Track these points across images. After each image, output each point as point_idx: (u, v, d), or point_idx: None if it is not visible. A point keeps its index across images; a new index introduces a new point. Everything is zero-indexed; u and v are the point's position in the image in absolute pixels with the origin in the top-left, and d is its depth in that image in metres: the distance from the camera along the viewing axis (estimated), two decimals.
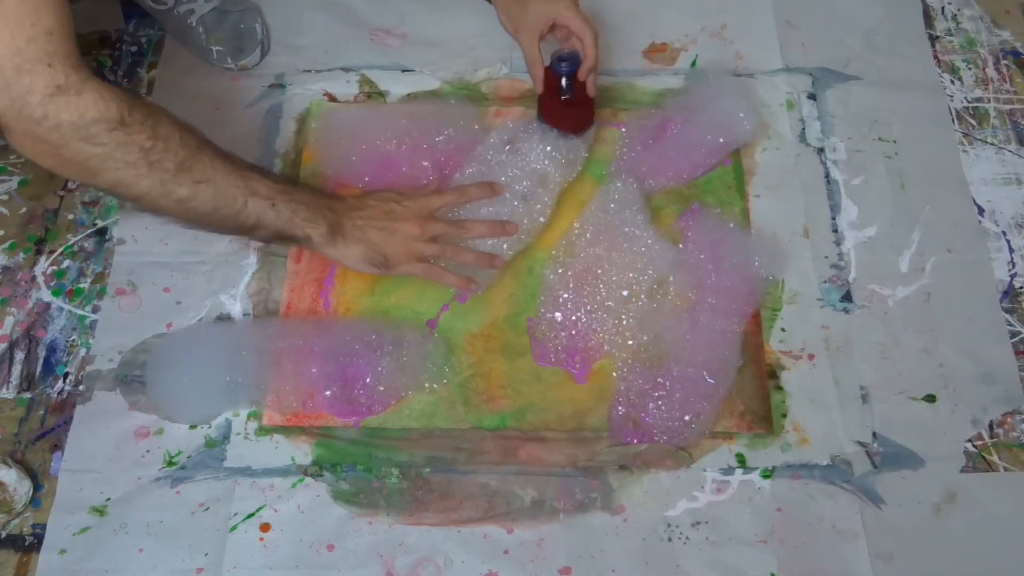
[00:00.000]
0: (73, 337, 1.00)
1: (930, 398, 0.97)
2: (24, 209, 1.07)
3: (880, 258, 1.05)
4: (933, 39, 1.22)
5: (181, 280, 1.02)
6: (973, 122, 1.15)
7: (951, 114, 1.16)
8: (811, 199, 1.09)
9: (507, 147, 1.06)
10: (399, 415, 0.95)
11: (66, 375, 0.98)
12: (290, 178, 1.07)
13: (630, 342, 0.97)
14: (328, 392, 0.94)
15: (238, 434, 0.94)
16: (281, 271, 1.03)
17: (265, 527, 0.90)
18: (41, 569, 0.88)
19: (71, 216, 1.07)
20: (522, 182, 1.04)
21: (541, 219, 1.04)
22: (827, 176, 1.11)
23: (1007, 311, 1.02)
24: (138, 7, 1.21)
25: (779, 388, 0.97)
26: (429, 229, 0.96)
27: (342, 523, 0.90)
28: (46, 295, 1.02)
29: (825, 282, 1.03)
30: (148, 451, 0.93)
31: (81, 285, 1.02)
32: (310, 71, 1.17)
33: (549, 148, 1.06)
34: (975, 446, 0.95)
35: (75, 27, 0.75)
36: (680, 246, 1.03)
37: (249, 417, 0.95)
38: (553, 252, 1.03)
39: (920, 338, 1.00)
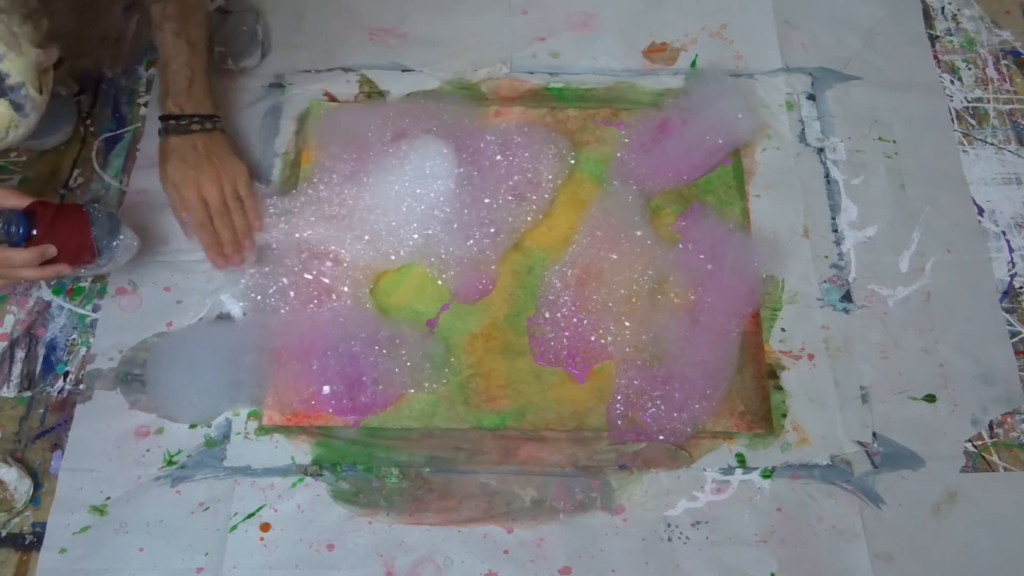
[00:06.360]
0: (73, 336, 1.00)
1: (930, 398, 0.97)
2: None
3: (880, 258, 1.05)
4: (933, 39, 1.22)
5: (181, 279, 1.02)
6: (973, 122, 1.15)
7: (951, 114, 1.16)
8: (811, 199, 1.09)
9: (499, 148, 1.06)
10: (399, 415, 0.95)
11: (66, 374, 0.98)
12: None
13: (630, 342, 0.97)
14: (328, 391, 0.94)
15: (238, 434, 0.94)
16: None
17: (265, 527, 0.90)
18: (41, 568, 0.88)
19: None
20: (513, 183, 1.04)
21: (529, 218, 1.04)
22: (827, 176, 1.11)
23: (1007, 311, 1.02)
24: (138, 7, 1.21)
25: (779, 388, 0.97)
26: None
27: (342, 523, 0.90)
28: (47, 294, 1.02)
29: (825, 282, 1.03)
30: (148, 450, 0.93)
31: (82, 284, 1.02)
32: (310, 71, 1.17)
33: (540, 149, 1.06)
34: (975, 446, 0.95)
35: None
36: (680, 246, 1.03)
37: (249, 416, 0.95)
38: (553, 252, 1.03)
39: (920, 338, 1.00)
